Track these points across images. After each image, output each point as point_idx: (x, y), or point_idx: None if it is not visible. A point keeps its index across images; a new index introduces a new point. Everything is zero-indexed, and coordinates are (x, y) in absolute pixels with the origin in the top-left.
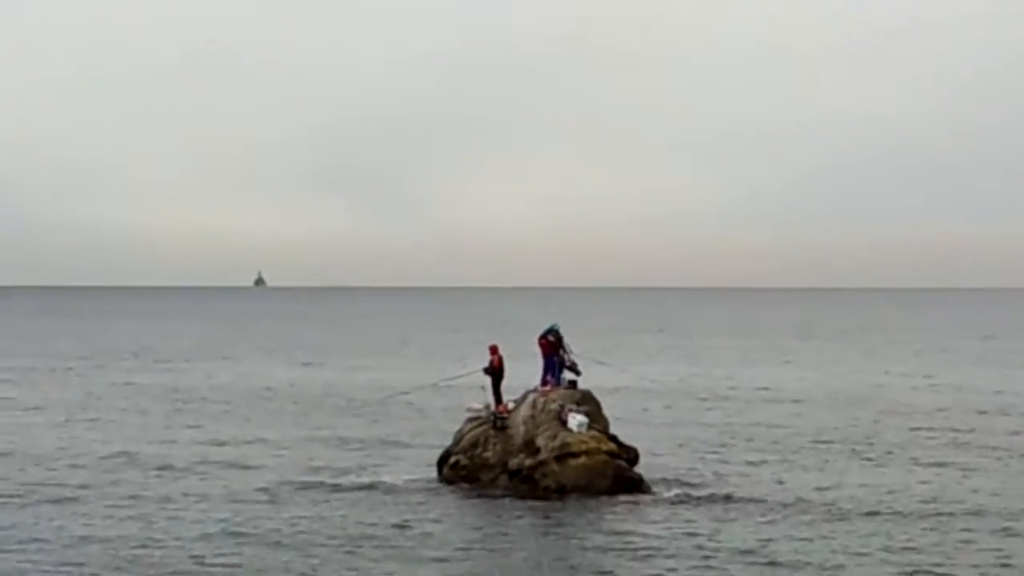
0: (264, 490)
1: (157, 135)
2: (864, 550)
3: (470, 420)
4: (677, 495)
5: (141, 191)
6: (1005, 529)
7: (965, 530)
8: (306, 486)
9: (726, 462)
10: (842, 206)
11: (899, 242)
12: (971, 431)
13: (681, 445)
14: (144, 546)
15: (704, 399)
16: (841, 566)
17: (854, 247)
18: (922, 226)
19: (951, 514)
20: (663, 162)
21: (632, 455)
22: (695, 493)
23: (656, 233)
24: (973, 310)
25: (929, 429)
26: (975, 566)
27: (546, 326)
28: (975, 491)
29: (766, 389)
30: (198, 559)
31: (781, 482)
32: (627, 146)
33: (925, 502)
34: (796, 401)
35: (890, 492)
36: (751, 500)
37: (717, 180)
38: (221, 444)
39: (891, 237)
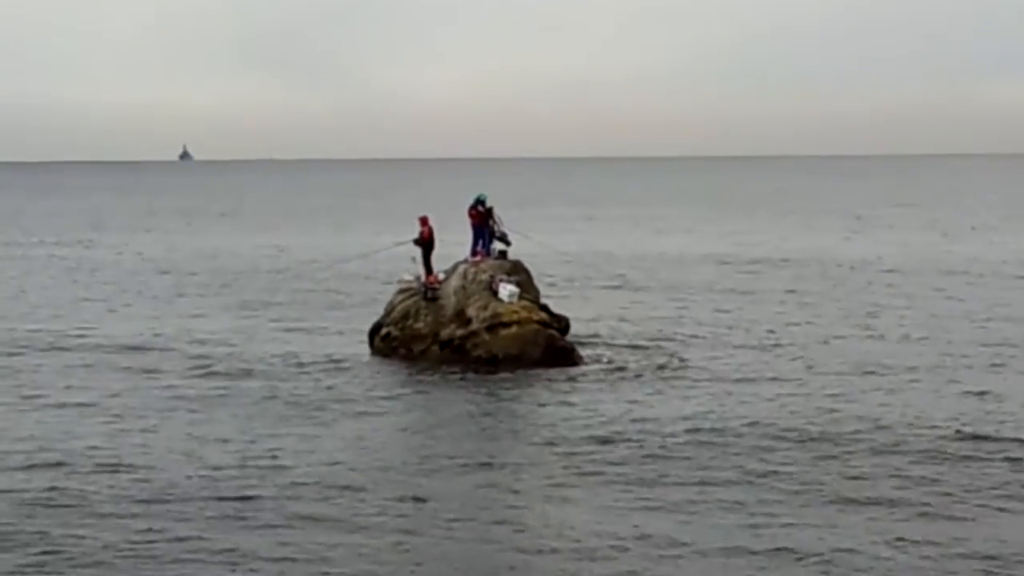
0: (183, 370)
1: (82, 8)
2: (789, 404)
3: (401, 291)
4: (607, 363)
5: (65, 66)
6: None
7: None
8: (231, 361)
9: (655, 330)
10: (768, 73)
11: (832, 110)
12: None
13: (610, 314)
14: (47, 448)
15: (632, 269)
16: (767, 433)
17: (777, 115)
18: (850, 93)
19: (877, 369)
20: (589, 32)
21: (563, 324)
22: (625, 361)
23: (579, 102)
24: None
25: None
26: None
27: (474, 196)
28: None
29: (696, 256)
30: (109, 455)
31: (712, 354)
32: (553, 15)
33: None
34: (721, 270)
35: (810, 362)
36: (680, 369)
37: (641, 49)
38: (131, 322)
39: (823, 105)
